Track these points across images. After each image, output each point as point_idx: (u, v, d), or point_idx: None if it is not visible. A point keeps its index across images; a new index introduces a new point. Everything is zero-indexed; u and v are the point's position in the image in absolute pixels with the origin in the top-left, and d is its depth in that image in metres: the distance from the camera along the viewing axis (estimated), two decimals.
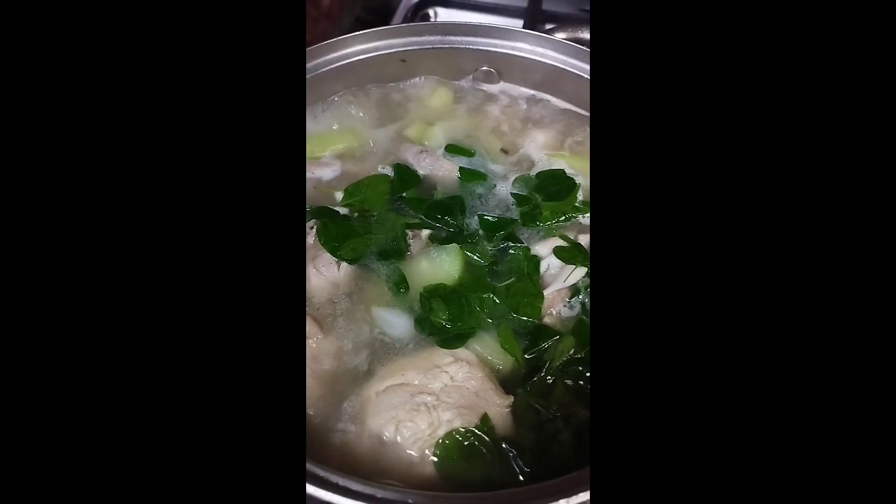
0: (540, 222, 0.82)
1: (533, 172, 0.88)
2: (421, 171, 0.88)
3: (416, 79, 0.98)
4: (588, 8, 1.42)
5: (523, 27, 1.29)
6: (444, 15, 1.40)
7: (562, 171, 0.87)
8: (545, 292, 0.76)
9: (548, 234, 0.82)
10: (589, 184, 0.86)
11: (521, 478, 0.64)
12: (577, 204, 0.84)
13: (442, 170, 0.89)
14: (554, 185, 0.85)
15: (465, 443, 0.64)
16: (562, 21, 1.37)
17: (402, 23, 1.34)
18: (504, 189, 0.87)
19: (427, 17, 1.40)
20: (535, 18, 1.34)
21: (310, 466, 0.57)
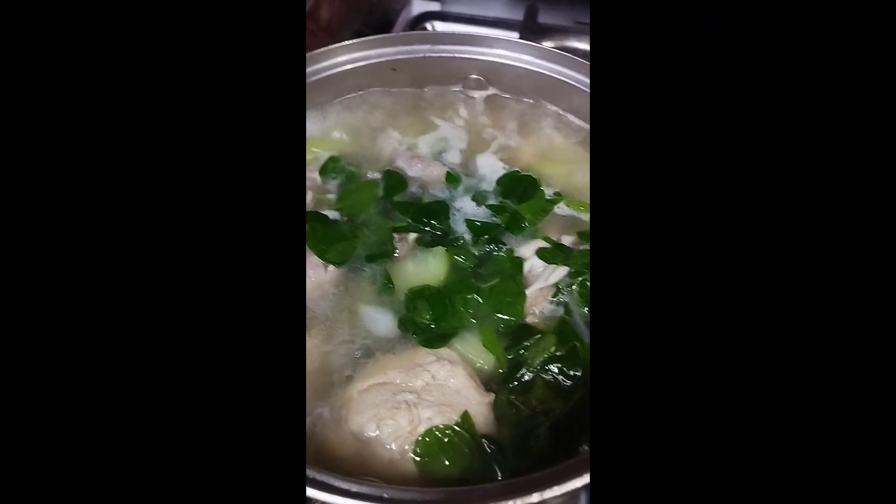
0: (525, 225, 0.82)
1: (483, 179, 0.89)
2: (412, 175, 0.89)
3: (407, 87, 0.99)
4: (583, 20, 1.43)
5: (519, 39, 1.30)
6: (441, 29, 1.41)
7: (517, 172, 0.88)
8: (528, 291, 0.76)
9: (531, 236, 0.82)
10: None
11: (499, 473, 0.63)
12: (548, 197, 0.84)
13: (432, 175, 0.89)
14: (518, 186, 0.86)
15: (445, 439, 0.64)
16: (557, 33, 1.38)
17: None
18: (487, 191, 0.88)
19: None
20: (531, 31, 1.35)
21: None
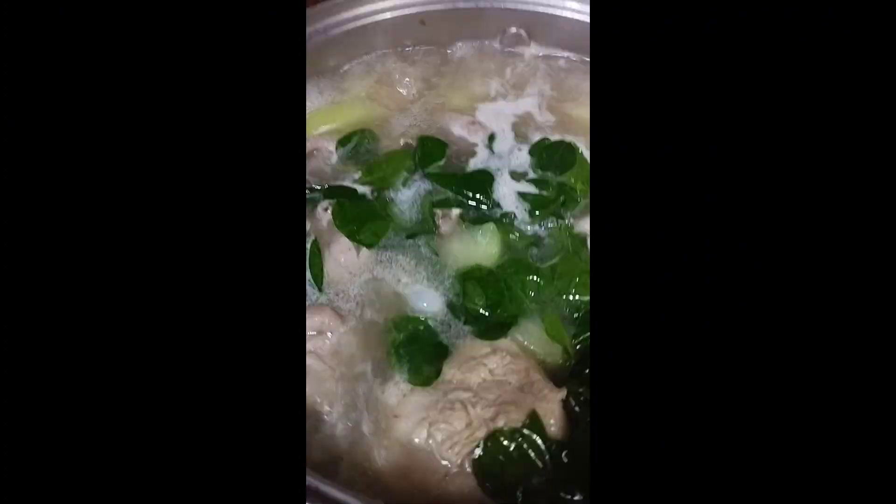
0: (579, 198, 0.73)
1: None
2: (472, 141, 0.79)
3: (438, 42, 0.88)
4: None
5: None
6: None
7: (546, 140, 0.79)
8: None
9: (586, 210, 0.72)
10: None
11: (576, 493, 0.53)
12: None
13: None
14: (554, 154, 0.77)
15: (512, 446, 0.54)
16: None
17: None
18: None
19: None
20: None
21: (314, 481, 0.48)
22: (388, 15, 0.82)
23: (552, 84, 0.86)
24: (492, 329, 0.62)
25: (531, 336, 0.62)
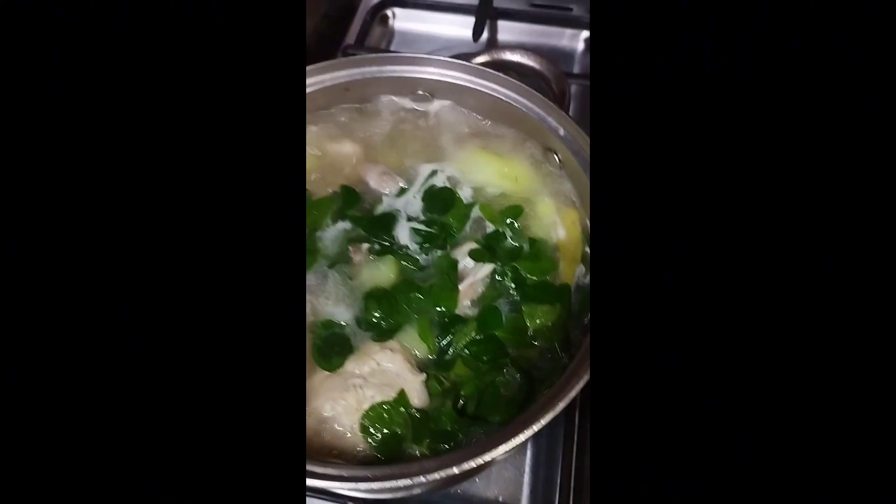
0: (454, 233, 1.07)
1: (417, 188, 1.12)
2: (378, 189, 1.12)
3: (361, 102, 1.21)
4: (538, 2, 1.61)
5: (475, 24, 1.49)
6: (401, 15, 1.62)
7: (433, 187, 1.11)
8: (460, 286, 1.01)
9: (463, 240, 1.07)
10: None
11: (424, 446, 0.89)
12: (466, 202, 1.08)
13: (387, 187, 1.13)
14: (439, 199, 1.10)
15: (384, 413, 0.90)
16: (512, 17, 1.57)
17: (362, 24, 1.56)
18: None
19: (386, 18, 1.63)
20: (487, 15, 1.54)
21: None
22: (316, 87, 1.14)
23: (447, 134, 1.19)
24: (383, 333, 0.97)
25: (409, 337, 0.97)
